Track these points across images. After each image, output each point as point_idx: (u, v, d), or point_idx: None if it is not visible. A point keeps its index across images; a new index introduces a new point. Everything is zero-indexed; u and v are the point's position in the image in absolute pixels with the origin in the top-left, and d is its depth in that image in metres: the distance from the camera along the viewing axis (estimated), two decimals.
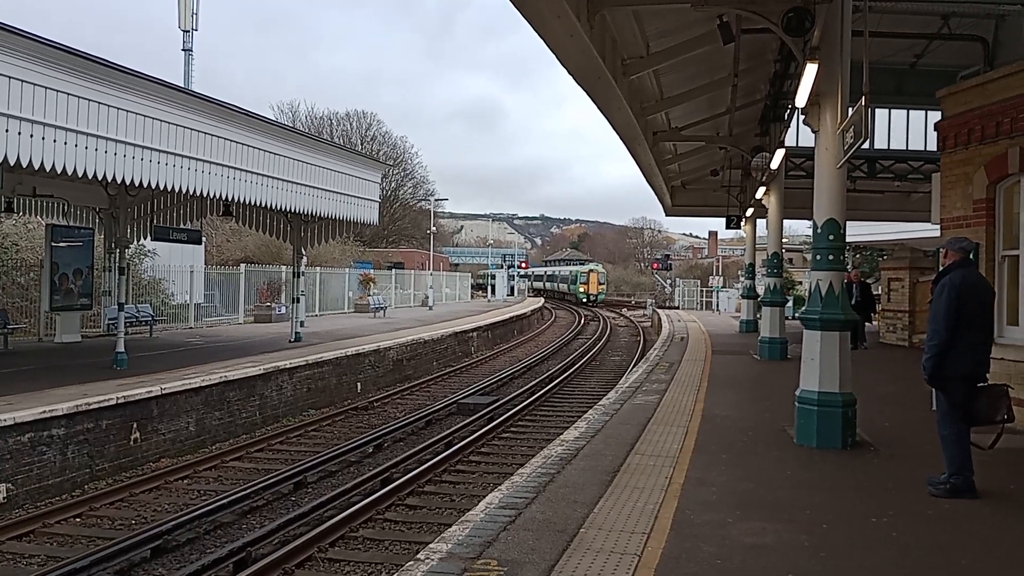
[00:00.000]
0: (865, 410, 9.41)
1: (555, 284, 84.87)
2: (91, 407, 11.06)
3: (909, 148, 22.35)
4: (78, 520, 9.57)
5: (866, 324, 21.20)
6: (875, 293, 25.91)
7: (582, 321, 47.36)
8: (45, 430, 10.32)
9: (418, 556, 5.41)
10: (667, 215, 35.02)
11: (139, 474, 11.53)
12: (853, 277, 20.63)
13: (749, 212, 25.65)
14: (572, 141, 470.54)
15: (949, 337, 6.65)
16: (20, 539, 8.83)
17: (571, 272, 79.58)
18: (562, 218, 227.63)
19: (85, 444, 10.98)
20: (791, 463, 8.06)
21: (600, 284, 73.78)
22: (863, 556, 5.41)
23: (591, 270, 75.24)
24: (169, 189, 13.39)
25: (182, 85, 24.16)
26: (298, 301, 21.46)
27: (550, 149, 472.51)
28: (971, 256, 7.14)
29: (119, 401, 11.58)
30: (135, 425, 11.92)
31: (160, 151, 12.72)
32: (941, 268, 7.06)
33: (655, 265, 78.74)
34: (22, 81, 10.18)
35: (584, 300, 70.72)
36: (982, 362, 6.88)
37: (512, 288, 72.09)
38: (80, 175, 11.42)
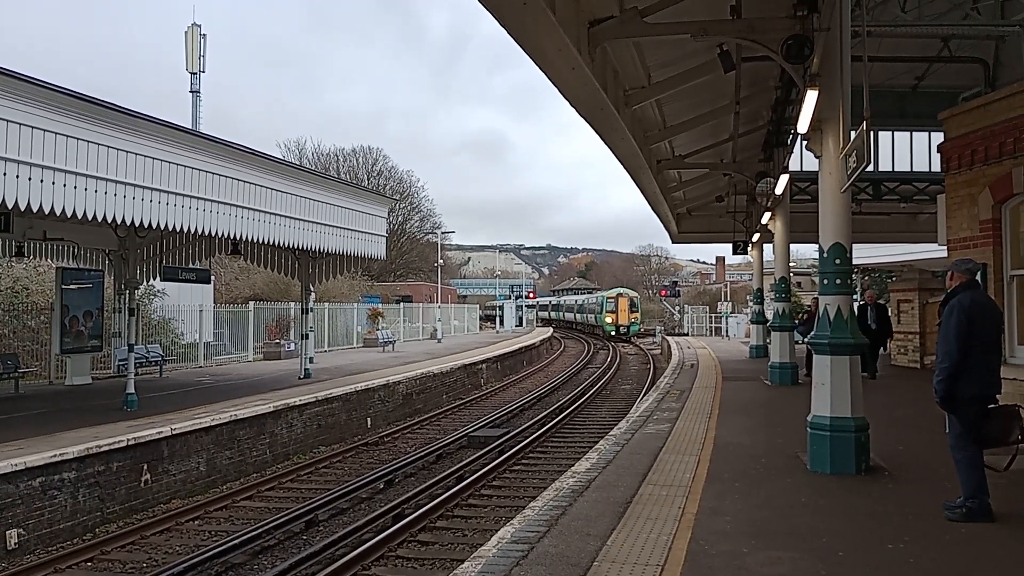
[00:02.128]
0: (878, 434, 9.33)
1: (583, 315, 73.20)
2: (102, 449, 11.05)
3: (914, 170, 22.36)
4: (89, 564, 9.53)
5: (881, 350, 19.78)
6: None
7: (591, 350, 47.22)
8: (56, 474, 10.31)
9: None
10: (673, 242, 35.11)
11: (150, 516, 11.50)
12: (869, 299, 19.71)
13: (755, 237, 25.66)
14: (578, 170, 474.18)
15: (961, 359, 6.62)
16: None
17: (597, 299, 67.87)
18: (569, 247, 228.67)
19: (96, 487, 10.96)
20: (805, 490, 7.98)
21: (633, 312, 60.99)
22: None
23: (620, 294, 62.28)
24: (177, 230, 13.50)
25: (190, 126, 24.43)
26: (307, 337, 21.48)
27: (556, 179, 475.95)
28: (977, 277, 7.12)
29: (129, 443, 11.57)
30: (146, 466, 11.90)
31: (168, 192, 12.84)
32: (948, 290, 7.04)
33: (663, 292, 76.14)
34: (32, 127, 10.33)
35: (612, 333, 58.62)
36: (993, 383, 6.83)
37: (521, 319, 71.64)
38: (90, 218, 11.52)
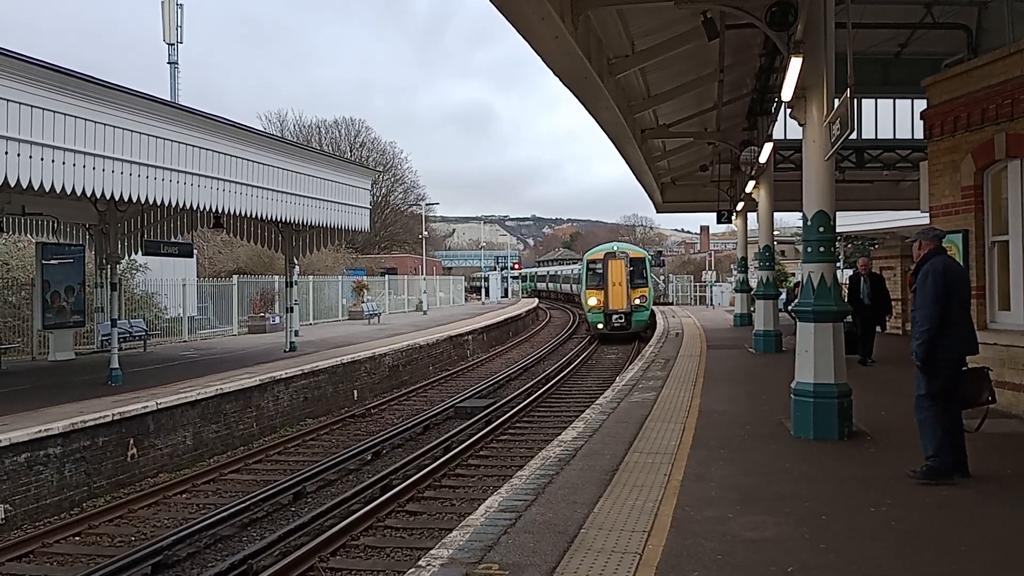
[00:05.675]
0: (861, 400, 9.45)
1: (557, 285, 66.79)
2: (87, 424, 11.01)
3: (897, 137, 22.43)
4: (77, 538, 9.53)
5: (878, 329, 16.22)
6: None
7: (576, 321, 47.29)
8: (42, 449, 10.28)
9: (419, 563, 5.40)
10: (658, 212, 35.08)
11: (137, 490, 11.50)
12: (862, 267, 16.18)
13: (740, 206, 25.71)
14: (563, 142, 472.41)
15: (940, 321, 6.74)
16: (20, 560, 8.80)
17: (574, 270, 50.04)
18: (554, 218, 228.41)
19: (82, 462, 10.93)
20: (789, 456, 8.07)
21: (638, 287, 33.33)
22: (863, 546, 5.42)
23: (609, 253, 34.04)
24: (158, 203, 13.37)
25: (169, 99, 24.11)
26: (292, 310, 21.43)
27: (542, 150, 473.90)
28: (943, 243, 7.24)
29: (115, 417, 11.54)
30: (132, 441, 11.88)
31: (148, 165, 12.68)
32: (917, 258, 7.11)
33: None
34: (8, 100, 10.15)
35: (601, 326, 33.00)
36: (971, 344, 6.99)
37: (506, 290, 71.54)
38: (68, 192, 11.37)
